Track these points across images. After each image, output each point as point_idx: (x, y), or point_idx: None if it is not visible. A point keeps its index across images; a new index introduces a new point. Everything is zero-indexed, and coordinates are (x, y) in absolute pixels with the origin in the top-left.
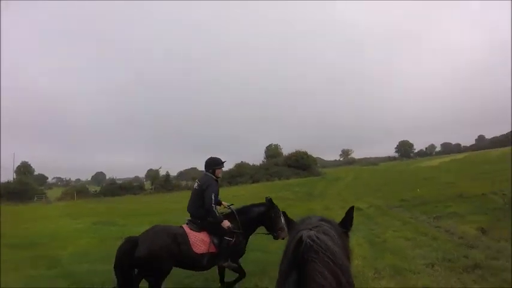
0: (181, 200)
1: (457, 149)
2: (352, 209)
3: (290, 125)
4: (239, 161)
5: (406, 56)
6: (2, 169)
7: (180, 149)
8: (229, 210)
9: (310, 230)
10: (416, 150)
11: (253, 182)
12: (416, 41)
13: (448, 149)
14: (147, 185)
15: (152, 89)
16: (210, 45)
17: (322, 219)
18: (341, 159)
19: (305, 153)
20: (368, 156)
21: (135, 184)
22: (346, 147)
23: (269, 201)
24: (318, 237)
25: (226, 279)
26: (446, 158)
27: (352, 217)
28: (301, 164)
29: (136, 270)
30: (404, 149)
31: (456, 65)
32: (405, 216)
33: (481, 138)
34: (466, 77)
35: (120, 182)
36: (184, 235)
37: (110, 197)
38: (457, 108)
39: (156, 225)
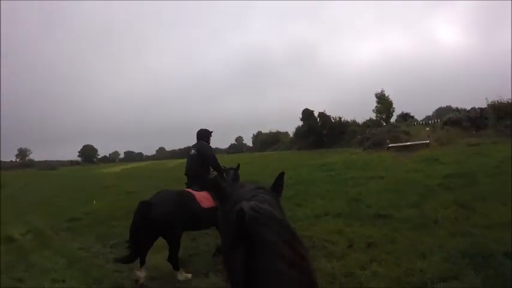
0: None
1: (139, 157)
2: (282, 174)
3: None
4: None
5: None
6: None
7: None
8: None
9: (249, 200)
10: (100, 156)
11: None
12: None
13: (131, 157)
14: None
15: None
16: None
17: (259, 187)
18: (18, 160)
19: None
20: (50, 159)
21: None
22: (24, 147)
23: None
24: (260, 208)
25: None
26: (129, 165)
27: (283, 183)
28: None
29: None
30: (88, 153)
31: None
32: (73, 247)
33: (161, 149)
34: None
35: None
36: (190, 194)
37: None
38: (140, 121)
39: (163, 189)
